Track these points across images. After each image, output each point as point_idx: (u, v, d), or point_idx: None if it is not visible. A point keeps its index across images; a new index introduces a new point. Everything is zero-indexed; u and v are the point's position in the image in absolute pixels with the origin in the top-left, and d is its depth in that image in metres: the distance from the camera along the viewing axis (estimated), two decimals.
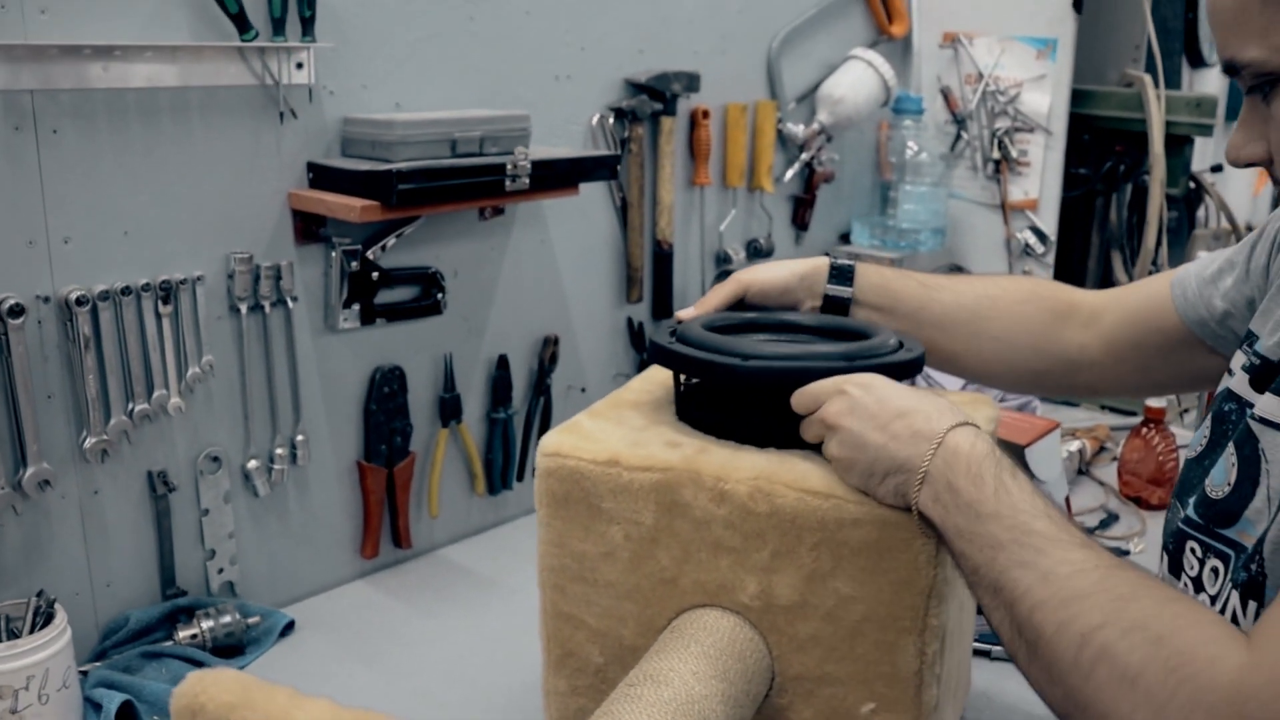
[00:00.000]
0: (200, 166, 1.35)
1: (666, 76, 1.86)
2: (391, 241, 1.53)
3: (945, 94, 2.38)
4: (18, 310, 1.21)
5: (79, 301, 1.25)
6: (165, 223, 1.33)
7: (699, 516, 0.99)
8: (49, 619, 1.21)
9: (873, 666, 0.98)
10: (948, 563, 0.93)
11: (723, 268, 2.11)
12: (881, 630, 0.96)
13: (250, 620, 1.40)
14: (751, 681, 0.98)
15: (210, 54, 1.32)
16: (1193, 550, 0.97)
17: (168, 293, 1.33)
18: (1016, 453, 1.47)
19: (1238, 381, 0.98)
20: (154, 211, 1.32)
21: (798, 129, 2.17)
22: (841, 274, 1.20)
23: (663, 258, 1.96)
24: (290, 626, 1.46)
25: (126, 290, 1.29)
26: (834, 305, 1.20)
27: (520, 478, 1.80)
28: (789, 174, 2.20)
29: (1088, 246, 2.51)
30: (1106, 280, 2.49)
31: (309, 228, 1.46)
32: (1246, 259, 1.07)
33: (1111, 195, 2.46)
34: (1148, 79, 2.27)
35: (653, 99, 1.86)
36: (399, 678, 1.37)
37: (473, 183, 1.45)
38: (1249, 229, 2.42)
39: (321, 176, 1.43)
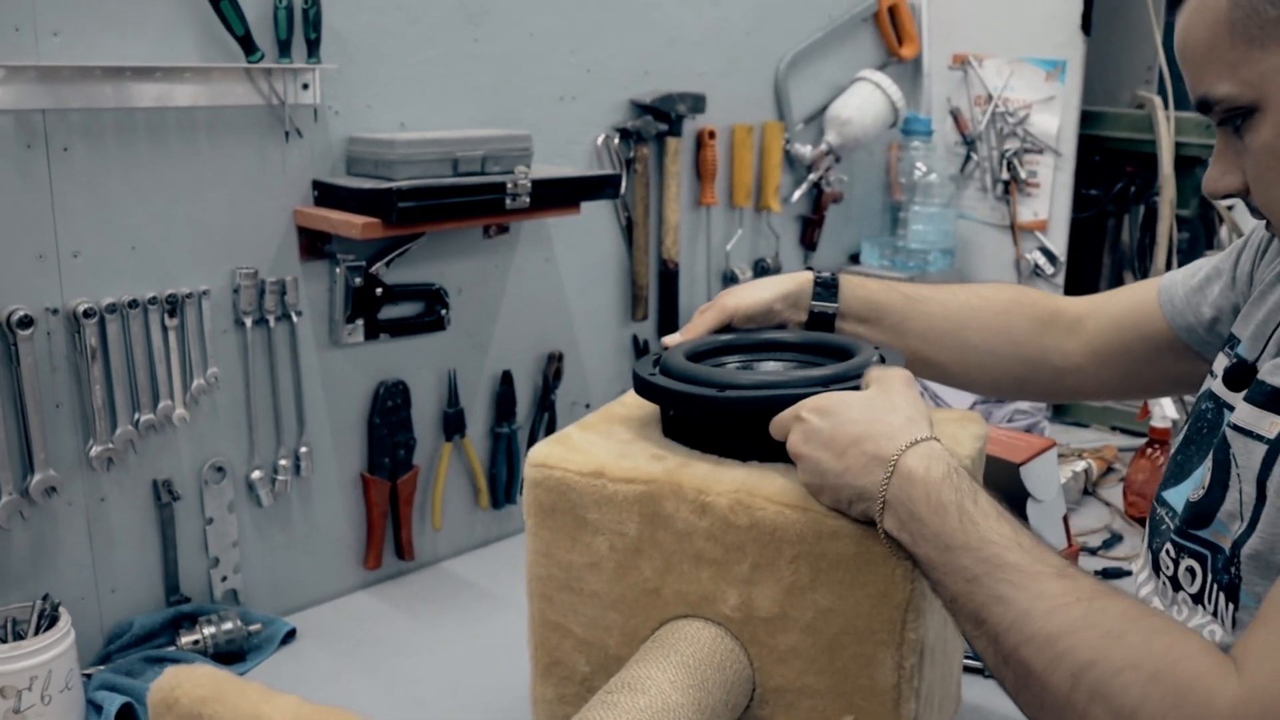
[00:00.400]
0: (207, 184, 1.38)
1: (671, 97, 1.88)
2: (395, 258, 1.55)
3: (955, 115, 2.39)
4: (27, 322, 1.24)
5: (87, 314, 1.28)
6: (172, 238, 1.37)
7: (681, 528, 1.01)
8: (53, 622, 1.24)
9: (851, 679, 0.99)
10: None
11: (729, 288, 2.12)
12: (860, 643, 0.97)
13: (252, 628, 1.43)
14: (730, 692, 0.99)
15: (217, 75, 1.35)
16: (1168, 551, 0.98)
17: (174, 306, 1.36)
18: (1011, 471, 1.47)
19: (1219, 383, 0.99)
20: (161, 227, 1.35)
21: (805, 150, 2.19)
22: (826, 288, 1.22)
23: (668, 276, 1.98)
24: (291, 635, 1.49)
25: (133, 303, 1.33)
26: (819, 320, 1.22)
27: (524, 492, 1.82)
28: (796, 194, 2.22)
29: (1099, 267, 2.51)
30: None
31: (314, 244, 1.49)
32: (1233, 266, 1.09)
33: (1123, 216, 2.46)
34: (1158, 100, 2.27)
35: (658, 120, 1.88)
36: (396, 686, 1.39)
37: (473, 201, 1.47)
38: None
39: (326, 194, 1.46)
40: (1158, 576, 1.00)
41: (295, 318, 1.48)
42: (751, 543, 0.98)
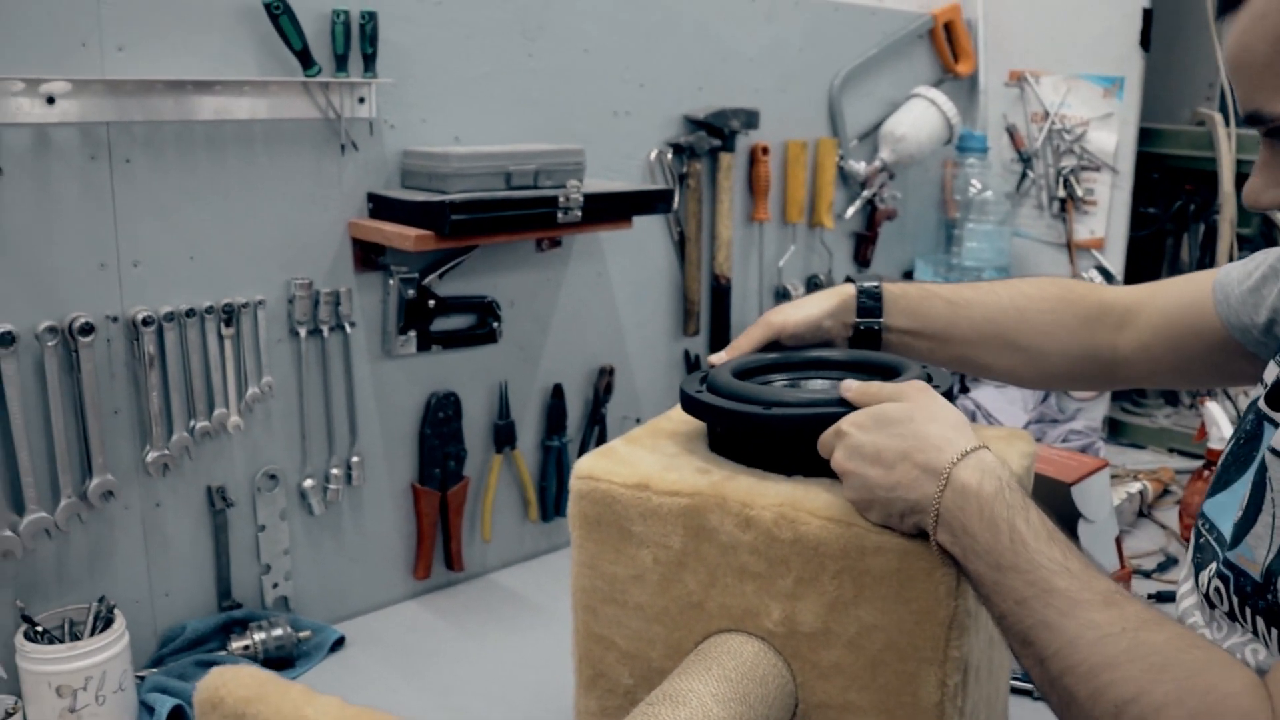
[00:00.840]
0: (264, 195, 1.41)
1: (725, 113, 1.89)
2: (448, 270, 1.57)
3: (1011, 132, 2.37)
4: (88, 329, 1.27)
5: (145, 322, 1.31)
6: (229, 248, 1.39)
7: (725, 542, 1.01)
8: (109, 624, 1.27)
9: (894, 696, 0.98)
10: (969, 594, 0.93)
11: (777, 305, 2.12)
12: (903, 660, 0.97)
13: (301, 634, 1.45)
14: (772, 707, 0.99)
15: (275, 89, 1.38)
16: (1206, 567, 0.97)
17: (230, 315, 1.38)
18: (1063, 490, 1.46)
19: (1264, 398, 0.96)
20: (219, 237, 1.38)
21: (859, 166, 2.19)
22: (871, 299, 1.21)
23: (720, 292, 1.98)
24: (340, 642, 1.50)
25: (191, 312, 1.35)
26: (865, 336, 1.21)
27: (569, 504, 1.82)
28: (850, 211, 2.21)
29: None
30: None
31: (368, 256, 1.51)
32: None
33: (1181, 235, 2.43)
34: (1218, 117, 2.24)
35: (711, 135, 1.89)
36: (442, 695, 1.40)
37: (525, 214, 1.49)
38: None
39: (381, 207, 1.48)
40: (1197, 590, 0.98)
41: (349, 328, 1.50)
42: (795, 557, 0.98)
